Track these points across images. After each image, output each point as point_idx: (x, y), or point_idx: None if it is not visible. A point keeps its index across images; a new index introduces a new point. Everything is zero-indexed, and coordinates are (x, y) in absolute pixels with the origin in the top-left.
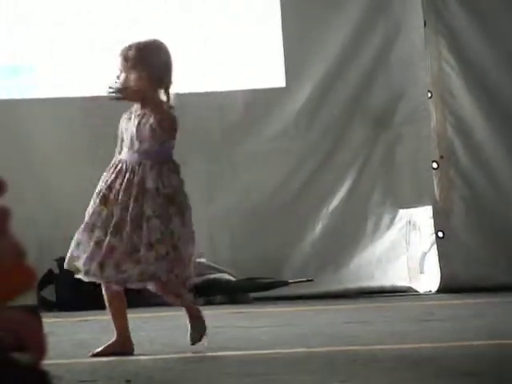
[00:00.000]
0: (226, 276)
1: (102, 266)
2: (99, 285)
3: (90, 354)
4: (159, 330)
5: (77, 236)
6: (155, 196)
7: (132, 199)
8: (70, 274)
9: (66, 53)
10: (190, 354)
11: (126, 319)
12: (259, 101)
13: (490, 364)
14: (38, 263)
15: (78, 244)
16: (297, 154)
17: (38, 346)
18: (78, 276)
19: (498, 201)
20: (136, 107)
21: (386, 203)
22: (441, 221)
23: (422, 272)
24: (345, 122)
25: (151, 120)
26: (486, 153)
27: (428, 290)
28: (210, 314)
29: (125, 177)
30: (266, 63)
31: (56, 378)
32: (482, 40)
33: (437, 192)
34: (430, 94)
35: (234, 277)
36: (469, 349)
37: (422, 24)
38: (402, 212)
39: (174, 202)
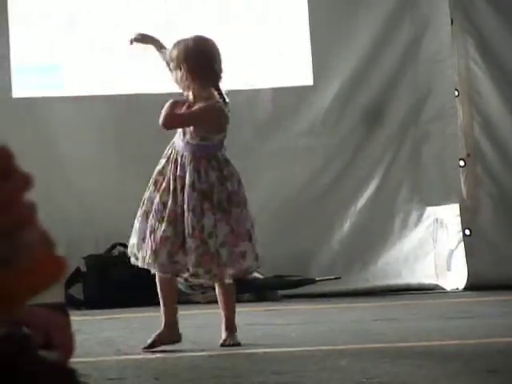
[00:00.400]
0: (254, 273)
1: (155, 254)
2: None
3: (143, 348)
4: (187, 327)
5: (135, 223)
6: (191, 191)
7: (178, 191)
8: (96, 272)
9: (93, 51)
10: (217, 352)
11: (175, 308)
12: (287, 99)
13: None
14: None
15: (135, 231)
16: (324, 152)
17: (66, 344)
18: (135, 263)
19: None
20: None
21: (414, 201)
22: (468, 218)
23: (449, 269)
24: (372, 120)
25: None
26: None
27: (455, 287)
28: (238, 311)
29: (175, 164)
30: (293, 62)
31: (83, 376)
32: (510, 38)
33: (464, 190)
34: (456, 93)
35: (262, 274)
36: (495, 346)
37: (449, 22)
38: (429, 210)
39: (208, 198)
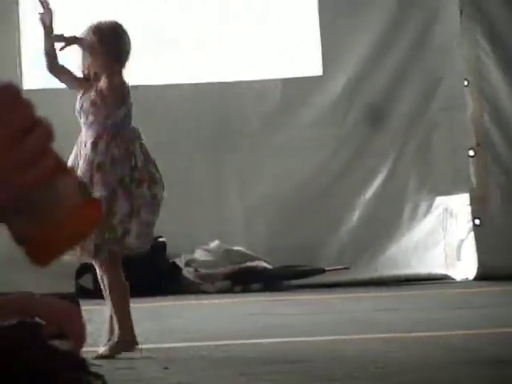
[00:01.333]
0: (263, 264)
1: None
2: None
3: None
4: (196, 316)
5: None
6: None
7: None
8: None
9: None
10: (226, 341)
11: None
12: (296, 89)
13: None
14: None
15: None
16: (334, 142)
17: (77, 333)
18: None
19: None
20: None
21: (423, 191)
22: (478, 208)
23: (458, 259)
24: (382, 110)
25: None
26: None
27: (465, 277)
28: (247, 301)
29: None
30: (303, 52)
31: (94, 365)
32: None
33: (473, 179)
34: (466, 82)
35: (271, 264)
36: (504, 336)
37: (459, 12)
38: (438, 199)
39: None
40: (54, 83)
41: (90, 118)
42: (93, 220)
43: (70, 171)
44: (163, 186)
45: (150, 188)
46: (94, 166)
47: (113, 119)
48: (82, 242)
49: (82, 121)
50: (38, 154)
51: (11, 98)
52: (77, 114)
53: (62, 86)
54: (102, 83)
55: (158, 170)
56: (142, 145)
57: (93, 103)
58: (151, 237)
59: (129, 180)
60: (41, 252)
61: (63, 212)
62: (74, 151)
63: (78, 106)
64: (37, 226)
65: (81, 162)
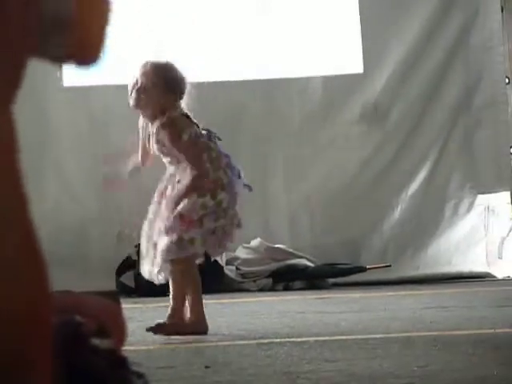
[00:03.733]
0: (305, 261)
1: None
2: None
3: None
4: (238, 315)
5: None
6: None
7: None
8: None
9: (139, 39)
10: (268, 340)
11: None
12: (338, 87)
13: None
14: (117, 250)
15: None
16: (375, 139)
17: (118, 331)
18: None
19: None
20: None
21: (465, 188)
22: None
23: (500, 257)
24: (423, 107)
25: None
26: None
27: (506, 275)
28: (289, 299)
29: None
30: (344, 50)
31: (135, 364)
32: None
33: None
34: (507, 80)
35: (313, 262)
36: None
37: (500, 9)
38: (480, 197)
39: None
40: (93, 80)
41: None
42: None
43: None
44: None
45: (215, 196)
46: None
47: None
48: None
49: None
50: None
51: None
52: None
53: (101, 82)
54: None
55: (226, 173)
56: (211, 149)
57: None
58: (220, 242)
59: None
60: (87, 48)
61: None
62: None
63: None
64: (70, 34)
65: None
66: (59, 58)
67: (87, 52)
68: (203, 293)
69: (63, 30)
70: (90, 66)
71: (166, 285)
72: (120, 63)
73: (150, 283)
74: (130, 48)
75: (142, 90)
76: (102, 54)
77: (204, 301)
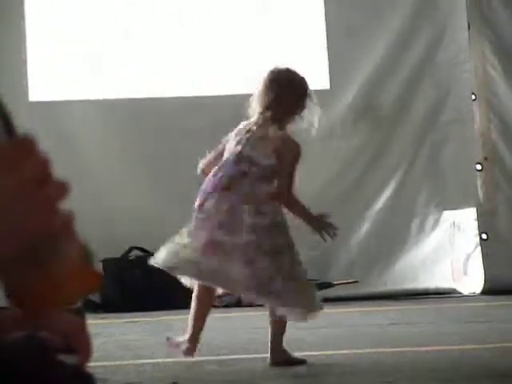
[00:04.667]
0: None
1: None
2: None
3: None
4: (204, 331)
5: None
6: None
7: None
8: (114, 275)
9: (107, 55)
10: (235, 356)
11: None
12: None
13: None
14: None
15: None
16: (342, 156)
17: (84, 347)
18: None
19: None
20: None
21: (431, 205)
22: (485, 222)
23: (466, 274)
24: (390, 124)
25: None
26: None
27: (472, 291)
28: (253, 315)
29: None
30: (310, 66)
31: (101, 380)
32: None
33: (481, 193)
34: (474, 96)
35: None
36: None
37: (466, 26)
38: (446, 213)
39: None
40: (60, 95)
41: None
42: (90, 285)
43: (74, 234)
44: None
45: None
46: None
47: None
48: (63, 305)
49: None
50: (49, 207)
51: (27, 148)
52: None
53: (68, 97)
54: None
55: None
56: None
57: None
58: None
59: None
60: (34, 304)
61: (63, 272)
62: None
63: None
64: (36, 279)
65: None
66: (11, 283)
67: (36, 305)
68: (170, 308)
69: (37, 268)
70: (24, 314)
71: (133, 300)
72: (87, 78)
73: (116, 299)
74: (95, 63)
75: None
76: (39, 317)
77: (171, 317)
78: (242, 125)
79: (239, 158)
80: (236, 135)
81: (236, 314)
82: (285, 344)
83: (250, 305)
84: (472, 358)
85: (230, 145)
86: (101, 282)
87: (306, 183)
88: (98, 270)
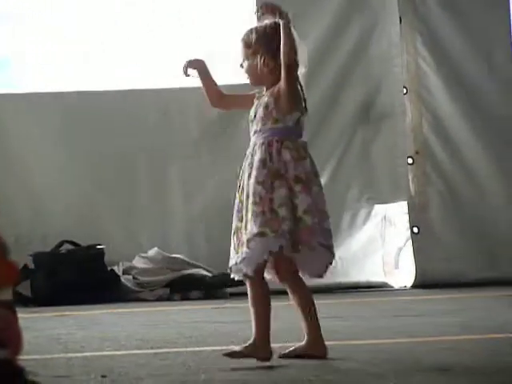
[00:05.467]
0: (202, 271)
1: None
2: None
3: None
4: (135, 324)
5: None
6: (261, 167)
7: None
8: (44, 269)
9: (43, 47)
10: (165, 350)
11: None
12: None
13: (465, 359)
14: (13, 258)
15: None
16: None
17: (14, 341)
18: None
19: (474, 195)
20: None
21: (363, 199)
22: (416, 216)
23: (397, 267)
24: (322, 118)
25: (266, 99)
26: (461, 148)
27: (403, 285)
28: (186, 309)
29: (250, 160)
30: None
31: (31, 373)
32: (459, 36)
33: (412, 187)
34: (405, 90)
35: (210, 272)
36: (445, 344)
37: (398, 20)
38: (377, 207)
39: (281, 177)
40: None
41: (260, 124)
42: (8, 278)
43: None
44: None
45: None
46: (271, 174)
47: (284, 123)
48: None
49: (252, 129)
50: None
51: None
52: (249, 122)
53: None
54: (282, 83)
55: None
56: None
57: (265, 106)
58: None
59: (305, 177)
60: None
61: None
62: (244, 163)
63: (252, 114)
64: None
65: (254, 172)
66: None
67: None
68: (100, 302)
69: None
70: None
71: (63, 294)
72: (18, 71)
73: (46, 293)
74: (25, 57)
75: None
76: None
77: (101, 310)
78: None
79: None
80: None
81: (167, 308)
82: (210, 337)
83: (182, 298)
84: (402, 351)
85: None
86: (17, 274)
87: (234, 181)
88: (15, 264)
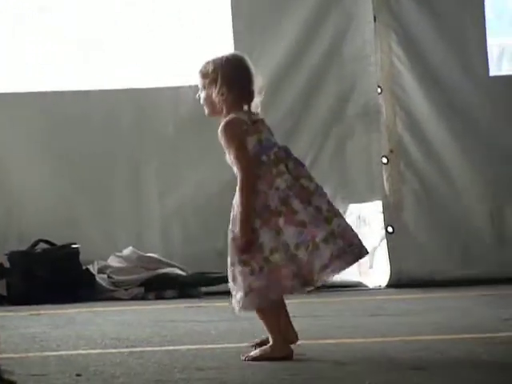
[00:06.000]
0: (176, 270)
1: None
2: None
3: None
4: (109, 323)
5: None
6: None
7: None
8: (20, 268)
9: (21, 47)
10: (139, 349)
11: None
12: None
13: (440, 358)
14: None
15: None
16: None
17: None
18: None
19: (449, 195)
20: None
21: (337, 198)
22: (390, 215)
23: (371, 267)
24: (296, 117)
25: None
26: (435, 147)
27: (378, 284)
28: (160, 308)
29: None
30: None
31: (7, 372)
32: (434, 35)
33: (386, 186)
34: (380, 89)
35: (185, 271)
36: (419, 343)
37: (372, 19)
38: (352, 207)
39: None
40: None
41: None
42: None
43: None
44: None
45: (309, 202)
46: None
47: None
48: None
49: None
50: None
51: None
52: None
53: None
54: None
55: (311, 179)
56: (289, 161)
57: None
58: None
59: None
60: None
61: None
62: None
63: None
64: None
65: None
66: None
67: None
68: (75, 301)
69: None
70: None
71: (39, 293)
72: None
73: (22, 292)
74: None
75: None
76: None
77: (76, 309)
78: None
79: None
80: None
81: (141, 307)
82: (183, 336)
83: (157, 297)
84: (377, 351)
85: None
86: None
87: (213, 176)
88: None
